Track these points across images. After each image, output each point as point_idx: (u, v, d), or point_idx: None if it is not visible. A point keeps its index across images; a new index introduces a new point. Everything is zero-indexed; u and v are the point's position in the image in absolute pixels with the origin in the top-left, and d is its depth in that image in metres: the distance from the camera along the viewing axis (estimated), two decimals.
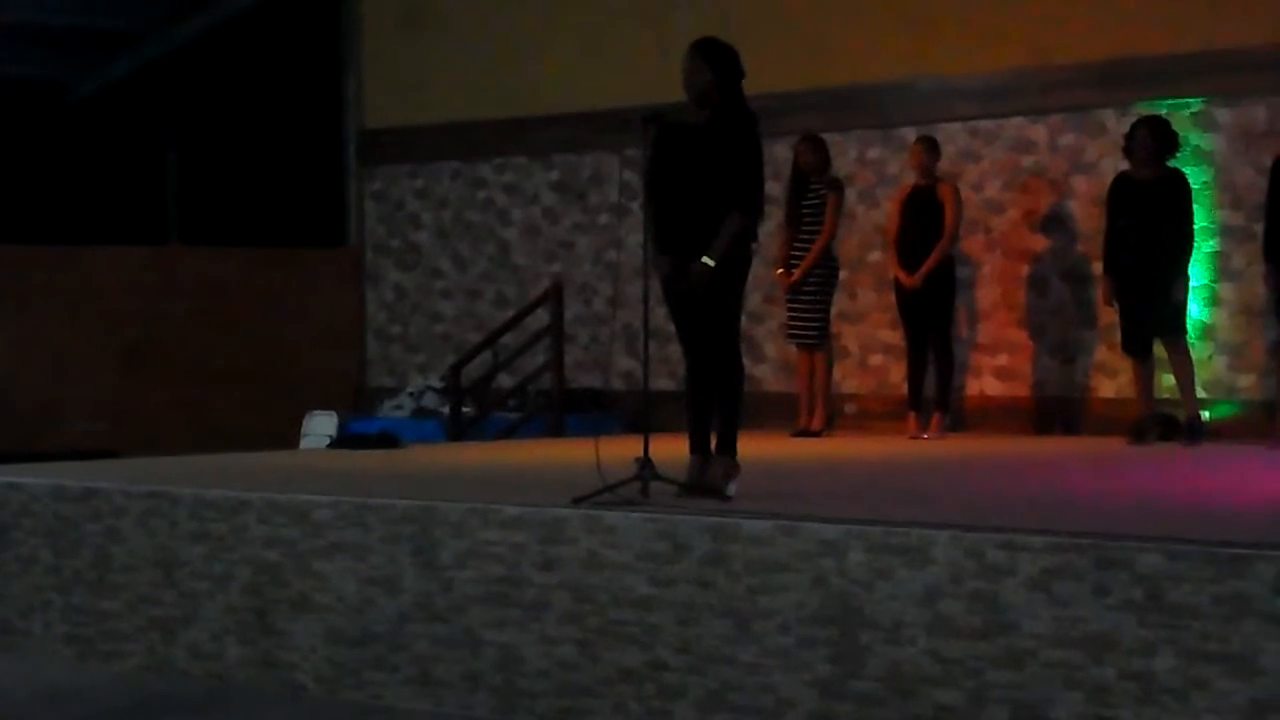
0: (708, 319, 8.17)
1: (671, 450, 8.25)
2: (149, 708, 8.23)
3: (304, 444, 14.28)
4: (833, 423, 13.30)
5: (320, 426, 14.33)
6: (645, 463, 7.85)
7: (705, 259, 8.01)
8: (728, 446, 8.23)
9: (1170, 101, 12.60)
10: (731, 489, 8.05)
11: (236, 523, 8.51)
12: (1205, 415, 12.12)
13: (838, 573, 6.70)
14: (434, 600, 7.83)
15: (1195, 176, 12.25)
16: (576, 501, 7.65)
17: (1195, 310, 12.40)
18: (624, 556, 7.28)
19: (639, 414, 13.24)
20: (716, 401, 8.28)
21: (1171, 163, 11.91)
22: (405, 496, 8.17)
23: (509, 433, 14.43)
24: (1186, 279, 11.82)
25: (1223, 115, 12.57)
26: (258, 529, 8.43)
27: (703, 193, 8.08)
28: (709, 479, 8.10)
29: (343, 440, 12.70)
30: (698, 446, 8.27)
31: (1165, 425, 11.90)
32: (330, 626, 8.15)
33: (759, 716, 6.83)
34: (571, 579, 7.40)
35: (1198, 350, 12.30)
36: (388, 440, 12.19)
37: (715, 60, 8.23)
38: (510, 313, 15.49)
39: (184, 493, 8.80)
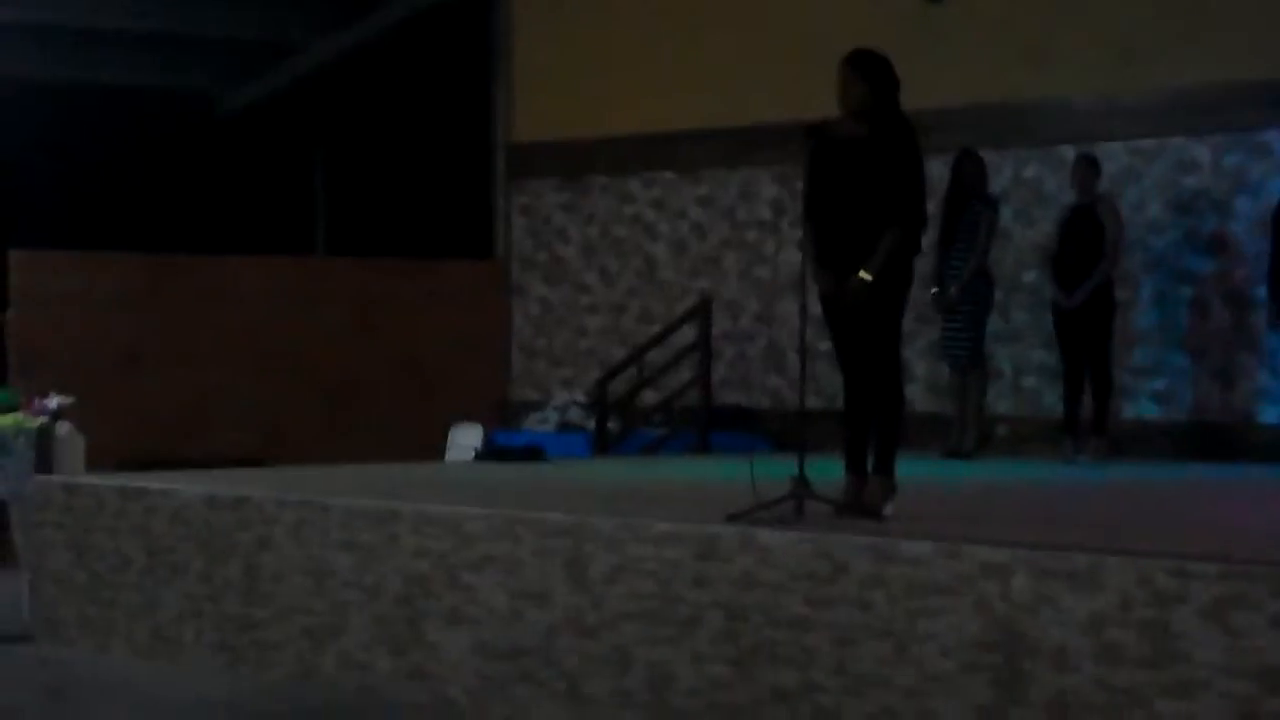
0: (866, 335, 8.02)
1: (823, 469, 8.11)
2: (299, 717, 8.22)
3: (449, 456, 14.26)
4: (985, 444, 13.08)
5: (465, 438, 14.29)
6: (801, 481, 7.73)
7: (864, 273, 7.88)
8: (885, 467, 8.08)
9: None
10: (888, 510, 7.92)
11: (387, 533, 8.48)
12: None
13: (1000, 597, 6.54)
14: (585, 615, 7.75)
15: None
16: (731, 518, 7.54)
17: None
18: (779, 575, 7.16)
19: (786, 432, 13.09)
20: (874, 420, 8.13)
21: None
22: (555, 510, 8.10)
23: (654, 449, 14.34)
24: None
25: None
26: (408, 540, 8.40)
27: (862, 207, 7.95)
28: (865, 499, 7.96)
29: (489, 453, 12.67)
30: (854, 465, 8.13)
31: None
32: (480, 639, 8.10)
33: None
34: (725, 597, 7.29)
35: None
36: (534, 454, 12.15)
37: (870, 72, 8.11)
38: (656, 328, 15.39)
39: (335, 502, 8.79)
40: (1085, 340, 12.50)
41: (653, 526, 7.60)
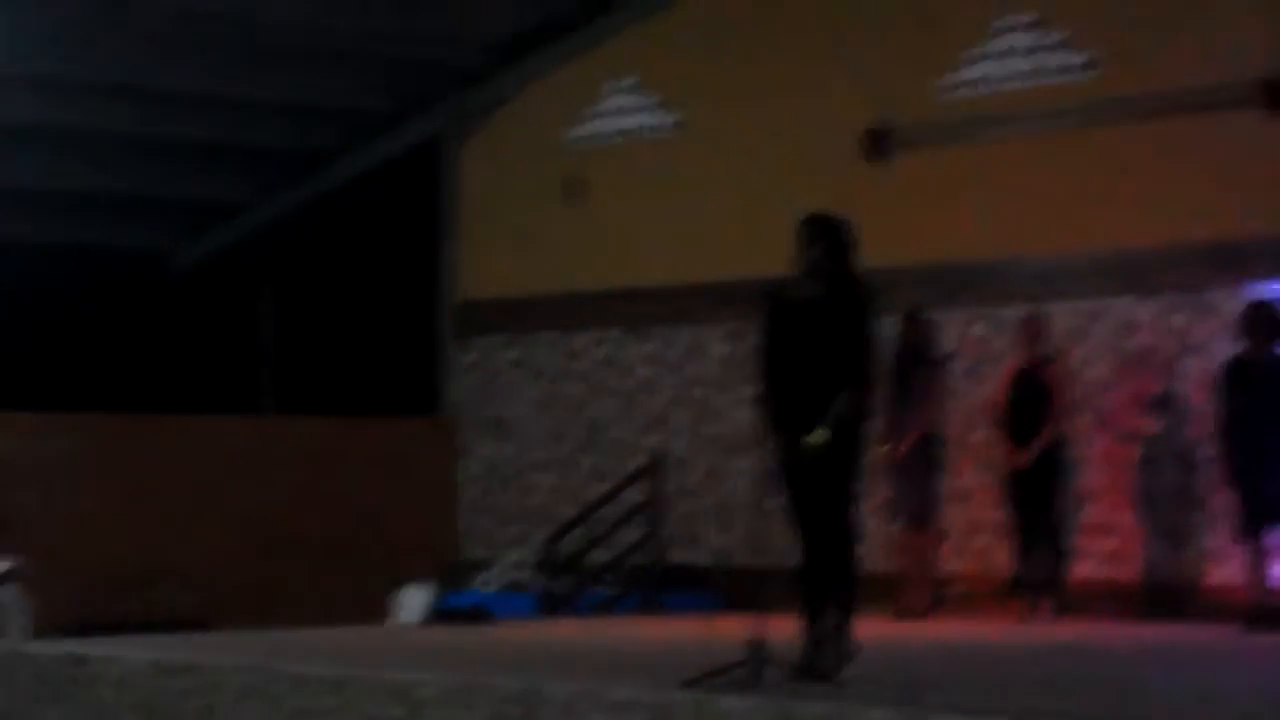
0: (823, 496, 7.98)
1: (777, 631, 8.01)
2: None
3: (399, 617, 14.10)
4: (938, 604, 13.01)
5: (415, 600, 14.15)
6: (757, 645, 7.64)
7: (819, 433, 7.85)
8: (841, 629, 8.00)
9: None
10: (844, 674, 7.82)
11: (338, 700, 8.33)
12: None
13: None
14: None
15: None
16: (687, 685, 7.44)
17: None
18: None
19: (737, 591, 12.99)
20: (828, 581, 8.05)
21: None
22: (508, 675, 7.99)
23: (605, 609, 14.20)
24: None
25: None
26: (360, 707, 8.25)
27: (818, 368, 7.94)
28: (822, 663, 7.87)
29: (437, 615, 12.54)
30: (809, 629, 8.05)
31: (1275, 613, 11.56)
32: None
33: None
34: None
35: None
36: (482, 615, 12.03)
37: (827, 234, 8.16)
38: (605, 486, 15.32)
39: (283, 669, 8.65)
40: (1036, 499, 12.49)
41: (608, 692, 7.50)
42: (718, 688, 7.36)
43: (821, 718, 6.86)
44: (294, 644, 10.01)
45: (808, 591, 8.10)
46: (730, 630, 7.88)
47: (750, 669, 7.60)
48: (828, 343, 7.97)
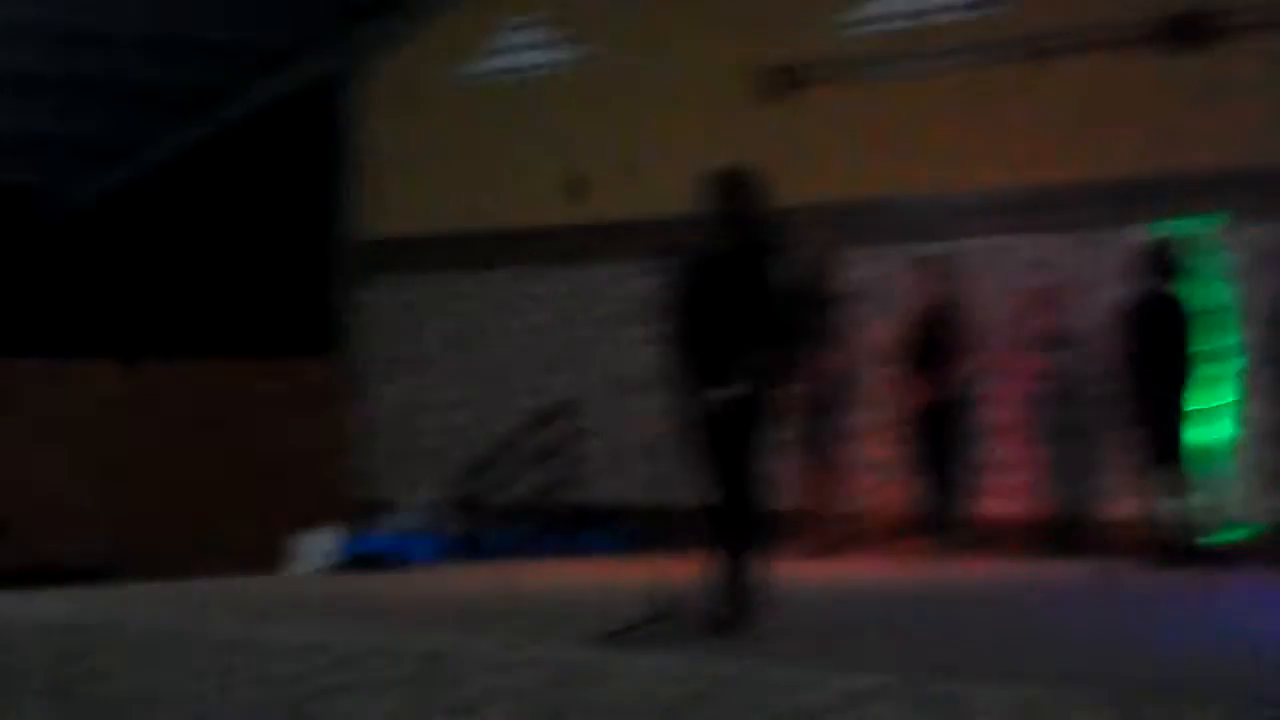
0: (735, 452, 7.93)
1: (687, 576, 7.97)
2: None
3: (302, 564, 13.96)
4: (842, 543, 13.05)
5: (318, 545, 14.01)
6: (667, 600, 7.62)
7: (733, 388, 7.81)
8: (751, 581, 7.98)
9: (1182, 220, 12.48)
10: (754, 625, 7.80)
11: (235, 660, 8.26)
12: (1209, 539, 11.92)
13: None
14: None
15: (1215, 295, 12.10)
16: (601, 639, 7.42)
17: (1213, 431, 12.22)
18: (650, 697, 7.03)
19: (647, 531, 12.96)
20: (740, 534, 8.02)
21: (1181, 282, 11.81)
22: (422, 631, 7.96)
23: (514, 552, 14.08)
24: (1188, 402, 11.71)
25: (1242, 234, 12.44)
26: (256, 667, 8.18)
27: (731, 322, 7.89)
28: (732, 616, 7.84)
29: (345, 562, 12.42)
30: (719, 579, 8.02)
31: (1174, 548, 11.68)
32: None
33: None
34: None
35: (1221, 470, 12.12)
36: (390, 561, 11.93)
37: (737, 187, 8.09)
38: (509, 426, 15.25)
39: (178, 627, 8.57)
40: (940, 437, 12.55)
41: (518, 650, 7.47)
42: (628, 645, 7.34)
43: (732, 676, 6.85)
44: (191, 598, 9.91)
45: (717, 541, 8.05)
46: (640, 575, 7.83)
47: (660, 625, 7.57)
48: (741, 296, 7.92)
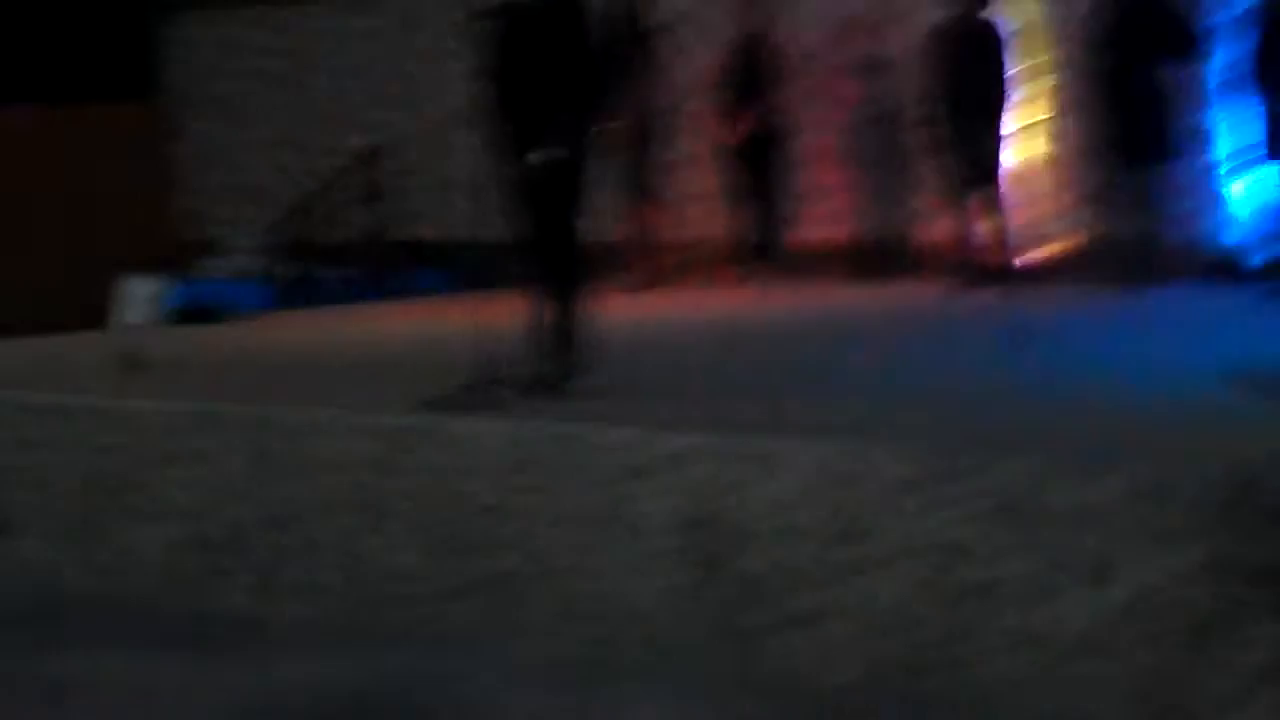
0: (553, 212, 7.96)
1: (515, 322, 8.04)
2: None
3: (129, 313, 13.73)
4: (662, 275, 13.20)
5: (142, 292, 13.78)
6: (489, 365, 7.71)
7: (548, 151, 7.81)
8: (570, 340, 8.07)
9: None
10: (575, 385, 7.91)
11: (65, 431, 8.28)
12: (1023, 260, 12.23)
13: (690, 481, 6.64)
14: (274, 507, 7.69)
15: (1027, 14, 12.23)
16: (422, 407, 7.51)
17: (1026, 150, 12.46)
18: (469, 463, 7.18)
19: (469, 269, 12.97)
20: (561, 290, 8.09)
21: (994, 4, 11.95)
22: (242, 398, 8.01)
23: (345, 295, 13.98)
24: (1002, 126, 11.89)
25: None
26: (88, 436, 8.21)
27: (541, 81, 7.84)
28: (551, 375, 7.93)
29: (168, 314, 12.30)
30: (537, 338, 8.12)
31: (981, 270, 11.94)
32: (169, 534, 7.98)
33: (611, 624, 6.79)
34: (416, 486, 7.30)
35: (1034, 188, 12.37)
36: (220, 312, 11.85)
37: None
38: (328, 164, 15.13)
39: (4, 396, 8.55)
40: (754, 166, 12.69)
41: (341, 419, 7.55)
42: (451, 408, 7.44)
43: (559, 437, 6.97)
44: (15, 360, 9.84)
45: (540, 292, 8.09)
46: (467, 320, 7.83)
47: (487, 387, 7.65)
48: (552, 53, 7.85)
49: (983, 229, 12.13)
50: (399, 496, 7.32)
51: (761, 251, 12.79)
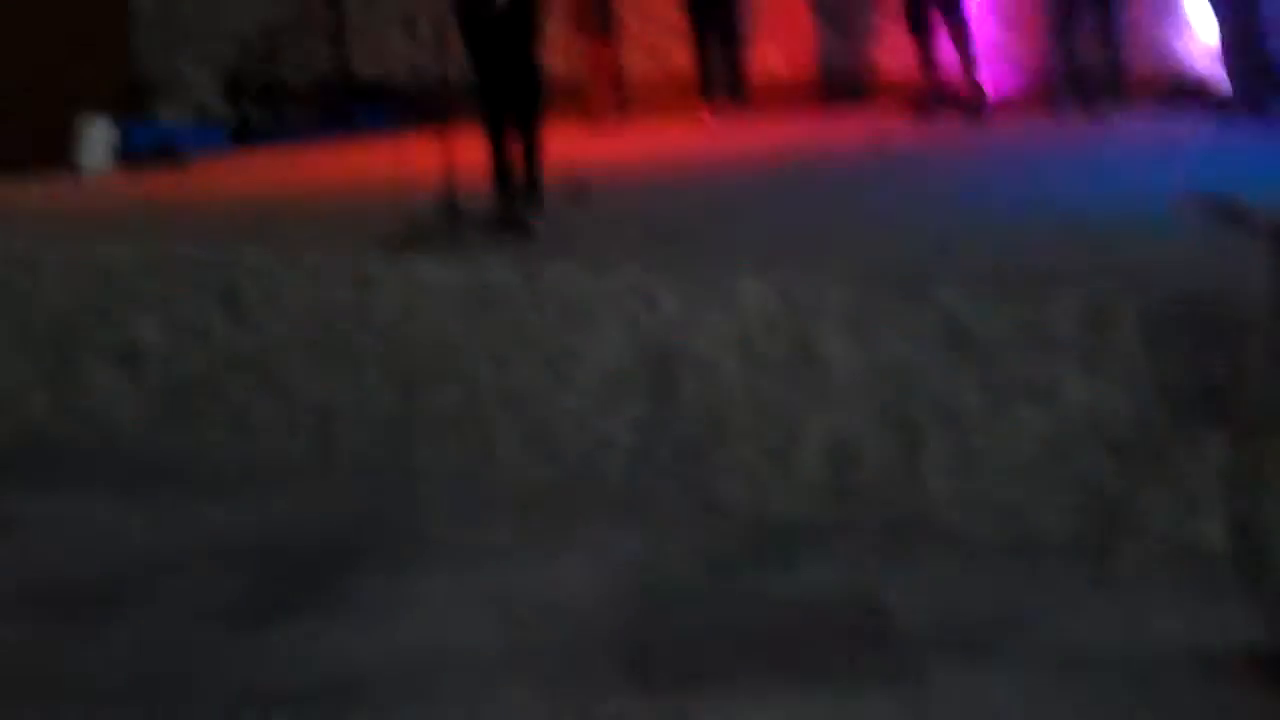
0: (508, 48, 7.98)
1: (472, 151, 8.09)
2: None
3: (85, 156, 13.70)
4: (622, 108, 13.19)
5: (98, 136, 13.71)
6: (450, 203, 7.77)
7: None
8: (531, 176, 8.14)
9: None
10: (539, 223, 7.96)
11: (33, 277, 8.35)
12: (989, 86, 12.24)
13: (650, 315, 6.75)
14: (245, 349, 7.79)
15: None
16: (389, 247, 7.57)
17: None
18: (435, 302, 7.28)
19: (427, 105, 12.92)
20: (519, 131, 8.13)
21: None
22: (208, 241, 8.08)
23: (299, 135, 13.83)
24: None
25: None
26: (57, 280, 8.29)
27: None
28: (516, 213, 7.99)
29: (126, 157, 12.30)
30: (499, 177, 8.18)
31: (946, 97, 11.96)
32: (141, 376, 8.08)
33: (578, 456, 6.94)
34: (383, 326, 7.40)
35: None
36: (172, 155, 11.84)
37: None
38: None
39: None
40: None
41: (305, 260, 7.63)
42: (414, 249, 7.50)
43: (525, 274, 7.06)
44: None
45: (494, 140, 8.15)
46: (420, 162, 7.86)
47: (449, 225, 7.72)
48: None
49: (948, 54, 12.09)
50: (367, 335, 7.43)
51: (723, 84, 12.77)
